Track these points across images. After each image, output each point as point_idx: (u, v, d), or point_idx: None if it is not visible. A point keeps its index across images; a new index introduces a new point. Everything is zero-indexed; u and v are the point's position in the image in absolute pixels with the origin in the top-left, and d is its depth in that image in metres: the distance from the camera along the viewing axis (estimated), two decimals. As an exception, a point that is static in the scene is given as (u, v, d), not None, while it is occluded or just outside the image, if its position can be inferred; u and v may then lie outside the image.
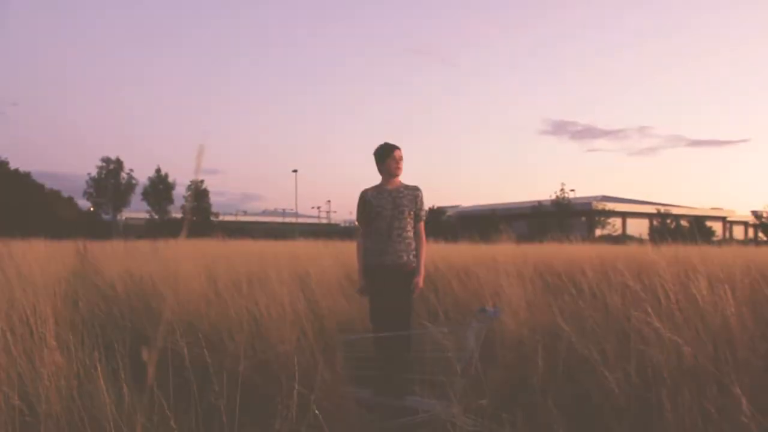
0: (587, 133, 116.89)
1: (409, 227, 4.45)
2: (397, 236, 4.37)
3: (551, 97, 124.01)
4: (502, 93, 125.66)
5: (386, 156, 4.46)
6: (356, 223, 4.66)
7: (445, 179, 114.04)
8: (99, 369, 3.13)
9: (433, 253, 10.15)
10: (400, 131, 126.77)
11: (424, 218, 4.59)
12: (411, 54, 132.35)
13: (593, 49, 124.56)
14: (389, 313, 4.30)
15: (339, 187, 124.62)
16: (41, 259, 8.90)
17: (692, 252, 7.56)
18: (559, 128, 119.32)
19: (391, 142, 4.52)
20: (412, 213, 4.45)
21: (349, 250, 10.18)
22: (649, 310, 3.60)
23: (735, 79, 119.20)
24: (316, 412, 3.03)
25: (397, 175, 4.49)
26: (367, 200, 4.48)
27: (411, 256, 4.41)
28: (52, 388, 3.22)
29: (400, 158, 4.46)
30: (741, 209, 68.99)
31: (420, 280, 4.37)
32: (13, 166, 54.68)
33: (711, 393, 3.11)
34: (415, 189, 4.51)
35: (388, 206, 4.39)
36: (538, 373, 3.76)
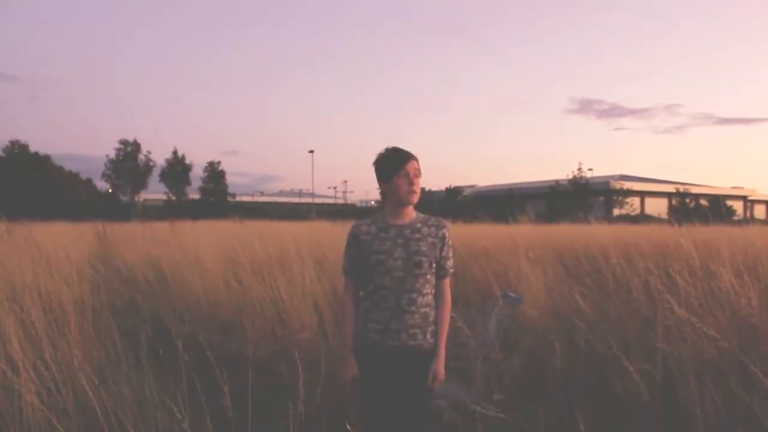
0: (613, 111, 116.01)
1: (429, 287, 2.82)
2: (409, 303, 2.75)
3: (578, 75, 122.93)
4: (529, 72, 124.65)
5: (394, 170, 2.78)
6: (343, 273, 2.97)
7: (463, 158, 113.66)
8: (121, 360, 3.15)
9: (451, 234, 10.05)
10: (419, 109, 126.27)
11: (451, 271, 2.95)
12: (433, 31, 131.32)
13: (622, 27, 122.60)
14: (393, 414, 2.78)
15: (355, 167, 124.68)
16: (63, 242, 9.01)
17: (714, 234, 7.45)
18: (586, 107, 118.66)
19: (403, 148, 2.85)
20: (434, 265, 2.83)
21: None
22: (673, 301, 3.55)
23: (766, 55, 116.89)
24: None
25: (410, 203, 2.81)
26: (361, 240, 2.84)
27: (429, 334, 2.81)
28: (76, 378, 3.25)
29: (417, 174, 2.80)
30: (763, 188, 68.05)
31: (440, 368, 2.81)
32: (33, 149, 55.41)
33: (736, 386, 3.07)
34: (440, 226, 2.87)
35: (396, 254, 2.76)
36: (559, 361, 3.73)
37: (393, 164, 2.78)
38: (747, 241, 6.53)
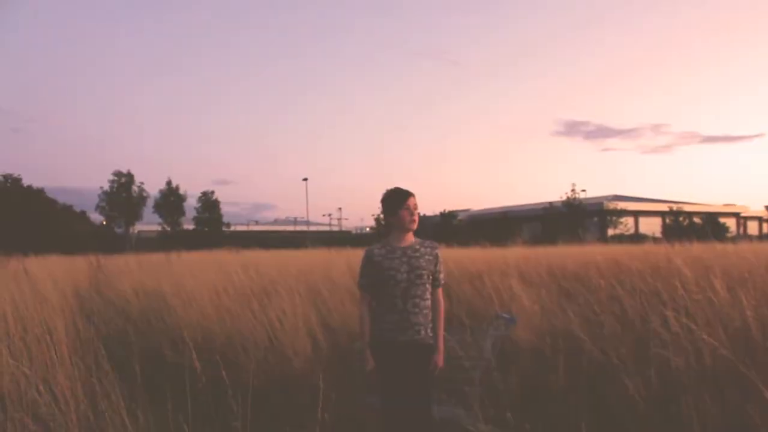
0: (600, 132, 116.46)
1: (427, 294, 3.57)
2: (413, 306, 3.50)
3: (563, 97, 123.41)
4: (514, 95, 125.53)
5: (399, 206, 3.57)
6: (359, 288, 3.72)
7: (455, 183, 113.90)
8: (115, 393, 3.12)
9: (446, 258, 10.09)
10: (411, 135, 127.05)
11: (443, 282, 3.74)
12: (421, 57, 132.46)
13: (605, 48, 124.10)
14: (404, 390, 3.48)
15: (349, 194, 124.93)
16: (56, 275, 8.96)
17: (707, 251, 7.48)
18: (572, 129, 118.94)
19: (403, 187, 3.67)
20: (430, 277, 3.59)
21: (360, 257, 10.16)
22: (668, 313, 3.55)
23: (748, 74, 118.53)
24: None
25: (411, 229, 3.61)
26: (375, 261, 3.58)
27: (429, 330, 3.57)
28: (69, 411, 3.22)
29: (415, 207, 3.61)
30: (755, 205, 68.46)
31: (440, 359, 3.59)
32: (26, 182, 55.28)
33: (733, 398, 3.06)
34: (434, 247, 3.68)
35: (402, 269, 3.51)
36: (557, 380, 3.72)
37: (397, 201, 3.57)
38: (738, 258, 6.56)
